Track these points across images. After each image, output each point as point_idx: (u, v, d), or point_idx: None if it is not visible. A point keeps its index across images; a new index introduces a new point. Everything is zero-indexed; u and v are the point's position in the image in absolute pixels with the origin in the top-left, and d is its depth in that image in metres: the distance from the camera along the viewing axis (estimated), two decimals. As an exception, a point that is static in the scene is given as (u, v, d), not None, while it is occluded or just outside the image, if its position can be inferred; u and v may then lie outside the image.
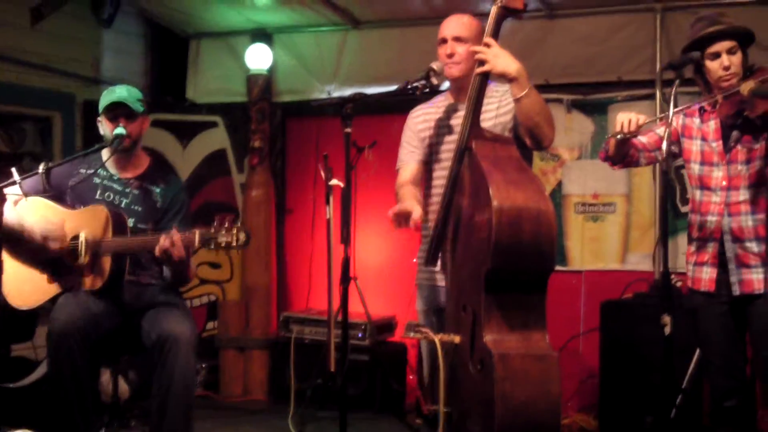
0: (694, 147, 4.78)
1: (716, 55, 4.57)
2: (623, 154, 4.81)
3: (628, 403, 6.33)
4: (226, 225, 4.54)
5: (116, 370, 5.33)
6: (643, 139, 4.82)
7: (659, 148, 4.80)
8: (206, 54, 8.50)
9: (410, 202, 4.41)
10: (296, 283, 8.43)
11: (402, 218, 4.31)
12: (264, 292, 8.11)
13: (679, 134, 4.83)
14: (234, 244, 4.55)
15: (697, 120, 4.77)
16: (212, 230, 4.54)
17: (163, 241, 4.59)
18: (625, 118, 4.57)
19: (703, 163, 4.73)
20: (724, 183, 4.63)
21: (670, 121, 4.29)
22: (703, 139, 4.74)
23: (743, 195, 4.60)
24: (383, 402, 7.22)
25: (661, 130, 4.77)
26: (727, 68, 4.55)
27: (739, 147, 4.63)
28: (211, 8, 7.80)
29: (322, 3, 7.45)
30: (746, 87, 4.43)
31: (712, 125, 4.71)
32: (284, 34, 8.18)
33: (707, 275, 4.73)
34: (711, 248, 4.71)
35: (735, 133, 4.64)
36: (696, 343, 5.99)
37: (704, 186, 4.72)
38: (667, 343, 4.25)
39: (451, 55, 4.58)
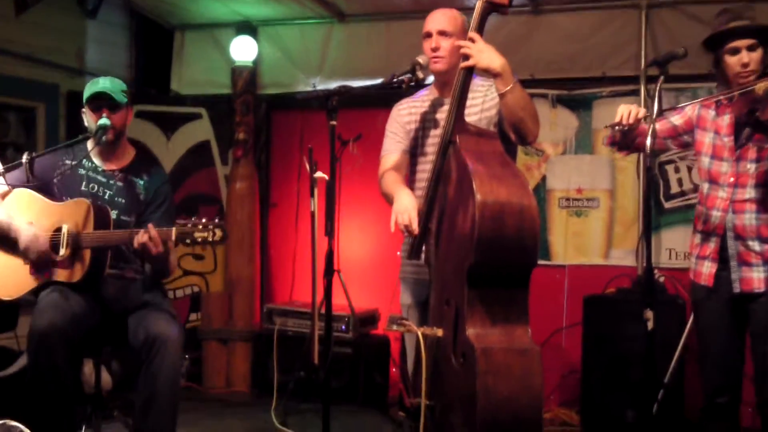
0: (706, 139, 4.75)
1: (736, 51, 4.53)
2: (630, 141, 4.79)
3: (609, 398, 6.36)
4: (204, 221, 4.54)
5: (99, 361, 5.32)
6: (655, 126, 4.81)
7: (671, 137, 4.81)
8: (191, 46, 8.49)
9: (406, 198, 4.41)
10: (280, 276, 8.43)
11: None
12: (247, 284, 8.12)
13: (693, 125, 4.81)
14: (210, 240, 4.54)
15: (712, 112, 4.74)
16: (189, 226, 4.54)
17: (141, 236, 4.59)
18: (625, 110, 4.54)
19: (713, 156, 4.71)
20: (732, 179, 4.61)
21: (654, 117, 4.29)
22: (716, 132, 4.71)
23: (749, 193, 4.58)
24: (366, 395, 7.24)
25: (675, 118, 4.78)
26: (745, 65, 4.52)
27: (750, 145, 4.60)
28: (197, 0, 7.78)
29: (307, -5, 7.46)
30: (762, 86, 4.42)
31: (727, 119, 4.68)
32: (269, 27, 8.17)
33: (707, 270, 4.72)
34: (713, 243, 4.70)
35: (747, 131, 4.61)
36: (678, 337, 6.06)
37: (712, 180, 4.70)
38: (650, 338, 4.27)
39: (435, 49, 4.59)
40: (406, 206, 4.35)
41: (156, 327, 4.73)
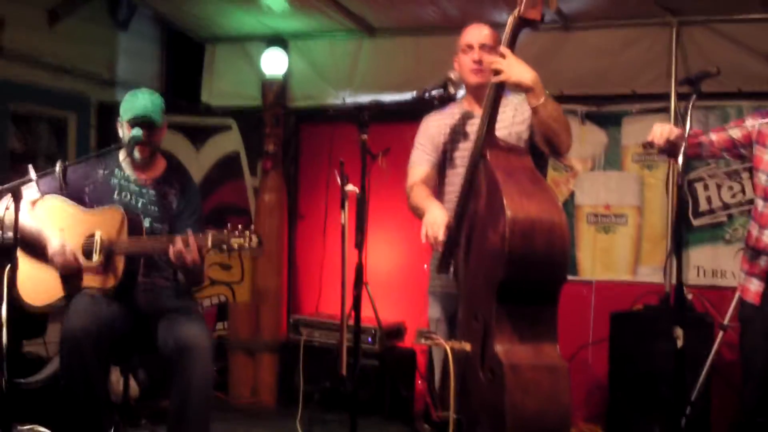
0: (766, 156, 4.72)
1: None
2: (676, 150, 4.72)
3: (635, 415, 6.33)
4: (239, 228, 4.56)
5: (126, 370, 5.34)
6: (712, 137, 4.78)
7: (728, 149, 4.80)
8: (222, 58, 8.52)
9: (437, 210, 4.42)
10: (306, 287, 8.45)
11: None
12: (274, 295, 8.12)
13: (752, 139, 4.77)
14: (247, 246, 4.55)
15: None
16: (225, 233, 4.56)
17: (178, 243, 4.61)
18: (657, 130, 4.55)
19: None
20: None
21: (687, 135, 4.30)
22: None
23: None
24: (392, 407, 7.23)
25: (734, 131, 4.76)
26: None
27: None
28: (228, 13, 7.82)
29: (337, 10, 7.46)
30: None
31: None
32: (299, 40, 8.20)
33: (755, 287, 4.70)
34: (763, 262, 4.68)
35: None
36: (705, 356, 6.03)
37: (767, 198, 4.70)
38: (679, 356, 4.26)
39: (479, 62, 4.60)
40: (436, 218, 4.35)
41: (186, 334, 4.72)
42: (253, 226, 4.60)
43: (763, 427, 4.72)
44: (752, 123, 4.70)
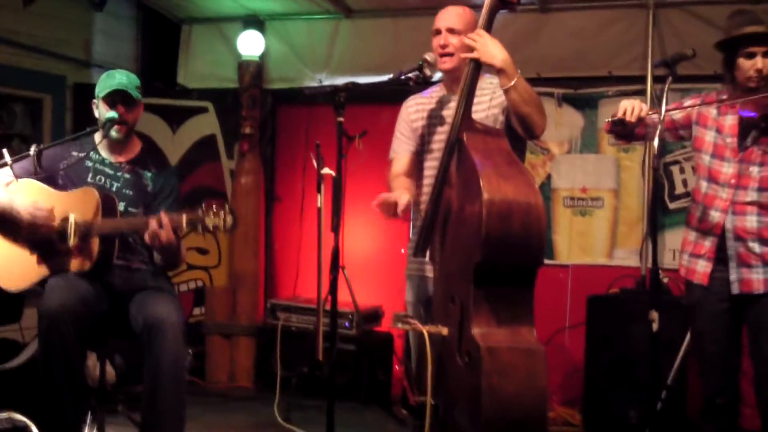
0: (707, 137, 4.74)
1: (751, 55, 4.53)
2: (630, 131, 4.77)
3: (612, 398, 6.36)
4: (214, 208, 4.53)
5: (103, 354, 5.32)
6: (654, 117, 4.79)
7: (669, 129, 4.81)
8: (198, 39, 8.49)
9: (398, 191, 4.44)
10: (283, 271, 8.43)
11: (389, 208, 4.34)
12: (251, 279, 8.12)
13: (692, 121, 4.81)
14: (221, 226, 4.53)
15: (714, 111, 4.72)
16: (200, 213, 4.53)
17: (152, 223, 4.59)
18: (628, 106, 4.55)
19: (714, 155, 4.70)
20: (733, 181, 4.60)
21: (662, 118, 4.30)
22: (718, 131, 4.70)
23: (751, 196, 4.57)
24: (369, 392, 7.24)
25: (674, 112, 4.77)
26: (759, 71, 4.53)
27: (755, 148, 4.59)
28: (205, -6, 7.81)
29: (315, -9, 7.46)
30: None
31: (729, 120, 4.67)
32: (276, 22, 8.17)
33: (702, 269, 4.72)
34: (709, 243, 4.70)
35: (754, 133, 4.60)
36: (681, 339, 6.05)
37: (712, 179, 4.69)
38: (655, 340, 4.27)
39: (444, 47, 4.60)
40: (398, 195, 4.37)
41: (154, 310, 4.69)
42: (227, 206, 4.57)
43: (724, 408, 4.74)
44: (690, 104, 4.71)
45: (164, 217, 4.58)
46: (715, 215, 4.66)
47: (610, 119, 4.67)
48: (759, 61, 4.52)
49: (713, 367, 4.79)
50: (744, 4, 6.41)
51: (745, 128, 4.65)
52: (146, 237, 4.62)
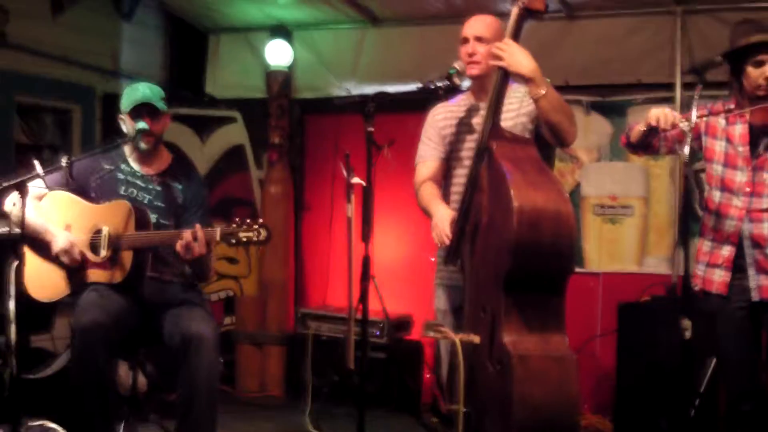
0: (717, 147, 4.73)
1: (760, 64, 4.52)
2: (647, 143, 4.77)
3: (643, 406, 6.32)
4: (248, 221, 4.56)
5: (135, 364, 5.34)
6: (684, 126, 4.77)
7: (680, 141, 4.78)
8: (226, 49, 8.51)
9: (441, 211, 4.45)
10: (313, 280, 8.44)
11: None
12: (281, 288, 8.13)
13: (701, 132, 4.80)
14: (255, 239, 4.56)
15: (722, 121, 4.71)
16: (233, 226, 4.56)
17: (187, 236, 4.61)
18: (661, 114, 4.51)
19: (726, 165, 4.69)
20: (748, 189, 4.59)
21: (693, 124, 4.29)
22: (728, 140, 4.69)
23: (767, 203, 4.58)
24: (399, 400, 7.23)
25: (684, 125, 4.74)
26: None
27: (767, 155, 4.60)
28: (232, 3, 7.83)
29: (342, 0, 7.45)
30: None
31: (739, 129, 4.66)
32: (304, 31, 8.19)
33: (719, 278, 4.69)
34: (726, 251, 4.68)
35: (766, 141, 4.59)
36: (711, 346, 6.01)
37: (725, 188, 4.68)
38: (686, 347, 4.25)
39: (471, 55, 4.59)
40: (441, 218, 4.41)
41: (191, 326, 4.74)
42: (261, 219, 4.60)
43: (750, 415, 4.71)
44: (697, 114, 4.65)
45: (199, 231, 4.61)
46: (731, 224, 4.64)
47: (644, 131, 4.63)
48: (767, 70, 4.50)
49: (736, 374, 4.77)
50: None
51: (756, 136, 4.64)
52: (179, 249, 4.65)
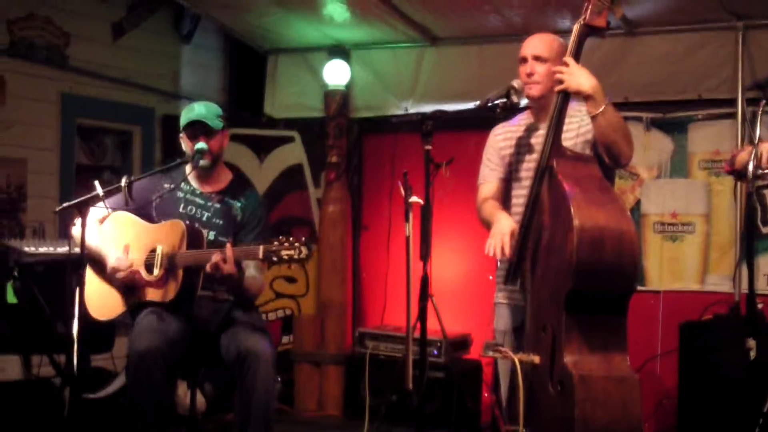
0: None
1: None
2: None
3: (706, 427, 6.23)
4: (290, 239, 4.57)
5: (193, 383, 5.36)
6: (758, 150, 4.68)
7: None
8: (284, 69, 8.55)
9: (503, 221, 4.41)
10: (371, 299, 8.43)
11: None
12: (339, 308, 8.12)
13: None
14: (296, 257, 4.56)
15: None
16: (275, 244, 4.57)
17: (215, 257, 4.66)
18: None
19: None
20: None
21: (757, 141, 4.22)
22: None
23: None
24: (458, 420, 7.17)
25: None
26: None
27: None
28: (290, 24, 7.85)
29: (400, 19, 7.46)
30: None
31: None
32: (362, 50, 8.20)
33: None
34: None
35: None
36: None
37: None
38: (751, 367, 4.19)
39: (530, 75, 4.56)
40: (502, 229, 4.34)
41: (248, 343, 4.78)
42: (303, 237, 4.60)
43: None
44: None
45: (229, 250, 4.65)
46: None
47: (737, 167, 4.50)
48: None
49: None
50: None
51: None
52: (207, 269, 4.71)
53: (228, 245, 4.71)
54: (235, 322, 4.99)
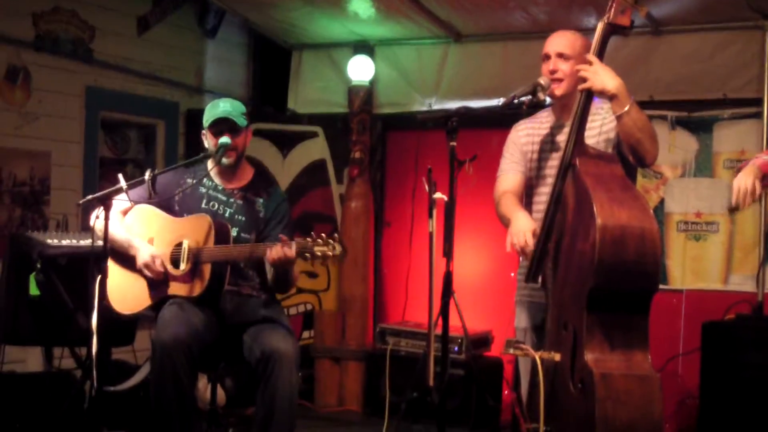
0: None
1: None
2: None
3: (728, 427, 6.20)
4: (323, 236, 4.56)
5: (213, 377, 5.37)
6: None
7: None
8: (308, 65, 8.55)
9: (523, 219, 4.40)
10: (392, 295, 8.42)
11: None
12: (360, 304, 8.12)
13: None
14: (330, 254, 4.56)
15: None
16: (309, 241, 4.56)
17: (276, 246, 4.64)
18: (741, 191, 4.11)
19: None
20: None
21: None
22: None
23: None
24: (478, 417, 7.16)
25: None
26: None
27: None
28: (315, 20, 7.86)
29: (424, 16, 7.45)
30: None
31: None
32: (386, 47, 8.20)
33: None
34: None
35: None
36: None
37: None
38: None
39: (553, 72, 4.55)
40: (522, 227, 4.33)
41: (272, 342, 4.77)
42: (336, 234, 4.61)
43: None
44: None
45: (285, 241, 4.63)
46: None
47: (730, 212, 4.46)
48: None
49: None
50: None
51: None
52: (269, 258, 4.67)
53: (283, 236, 4.69)
54: (260, 319, 4.99)
